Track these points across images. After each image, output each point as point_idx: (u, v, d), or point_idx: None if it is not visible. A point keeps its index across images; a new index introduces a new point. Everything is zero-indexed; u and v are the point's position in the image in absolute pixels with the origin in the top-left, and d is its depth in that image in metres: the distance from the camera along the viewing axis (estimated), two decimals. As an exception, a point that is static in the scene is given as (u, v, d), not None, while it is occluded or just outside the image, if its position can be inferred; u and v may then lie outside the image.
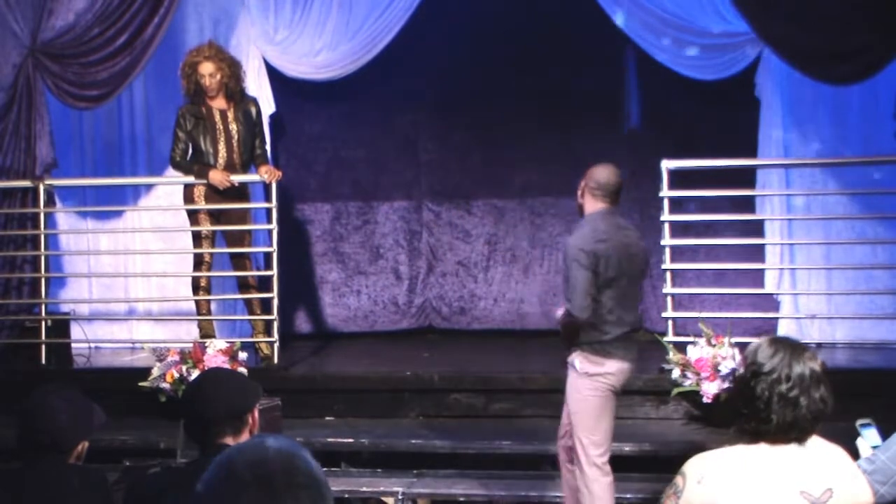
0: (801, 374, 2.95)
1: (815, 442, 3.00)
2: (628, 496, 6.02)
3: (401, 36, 8.38)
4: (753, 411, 2.95)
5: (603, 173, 5.43)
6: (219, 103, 7.62)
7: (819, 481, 2.90)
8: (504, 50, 8.73)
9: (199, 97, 7.58)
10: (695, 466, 2.99)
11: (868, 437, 3.81)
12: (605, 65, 8.56)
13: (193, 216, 7.68)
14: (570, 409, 5.45)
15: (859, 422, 3.84)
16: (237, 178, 7.56)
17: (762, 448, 2.97)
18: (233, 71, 7.63)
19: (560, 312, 5.47)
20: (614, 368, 5.36)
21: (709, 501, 2.91)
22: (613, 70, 8.55)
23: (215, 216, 7.65)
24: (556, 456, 5.73)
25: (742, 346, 6.63)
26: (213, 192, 7.54)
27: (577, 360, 5.36)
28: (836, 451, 3.03)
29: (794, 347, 3.03)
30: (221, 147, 7.58)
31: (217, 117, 7.59)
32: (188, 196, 7.66)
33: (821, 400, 2.95)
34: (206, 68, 7.52)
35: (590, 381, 5.36)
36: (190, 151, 7.62)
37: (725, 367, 6.50)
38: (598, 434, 5.38)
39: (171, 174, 8.01)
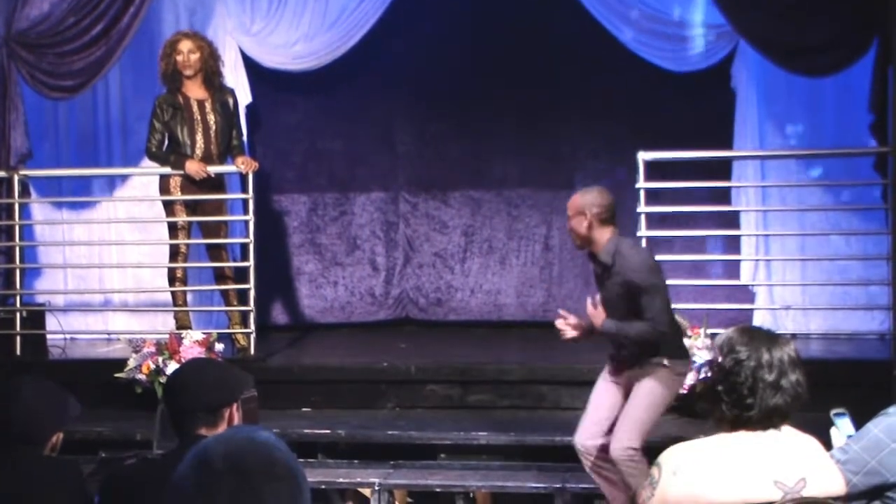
0: (781, 359, 3.00)
1: (789, 432, 3.03)
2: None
3: (377, 27, 8.38)
4: (736, 399, 2.98)
5: (601, 196, 5.36)
6: (196, 93, 7.60)
7: (793, 471, 2.93)
8: (481, 42, 8.73)
9: (175, 82, 7.55)
10: (670, 457, 3.02)
11: (842, 427, 3.83)
12: (582, 57, 8.57)
13: (169, 207, 7.66)
14: (641, 402, 5.30)
15: (833, 411, 3.86)
16: (214, 170, 7.54)
17: (737, 438, 3.00)
18: (211, 52, 7.64)
19: (606, 326, 5.34)
20: (688, 367, 5.57)
21: (684, 492, 2.93)
22: (591, 61, 8.56)
23: (191, 207, 7.63)
24: (580, 454, 5.54)
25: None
26: (190, 183, 7.51)
27: (667, 360, 5.32)
28: (810, 442, 3.06)
29: (768, 334, 3.08)
30: (199, 138, 7.56)
31: (195, 108, 7.57)
32: (164, 187, 7.64)
33: (798, 384, 3.00)
34: (186, 45, 7.54)
35: (677, 381, 5.44)
36: (166, 142, 7.60)
37: (701, 358, 6.53)
38: (650, 428, 5.38)
39: (147, 164, 7.98)
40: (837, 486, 2.99)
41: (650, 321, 5.27)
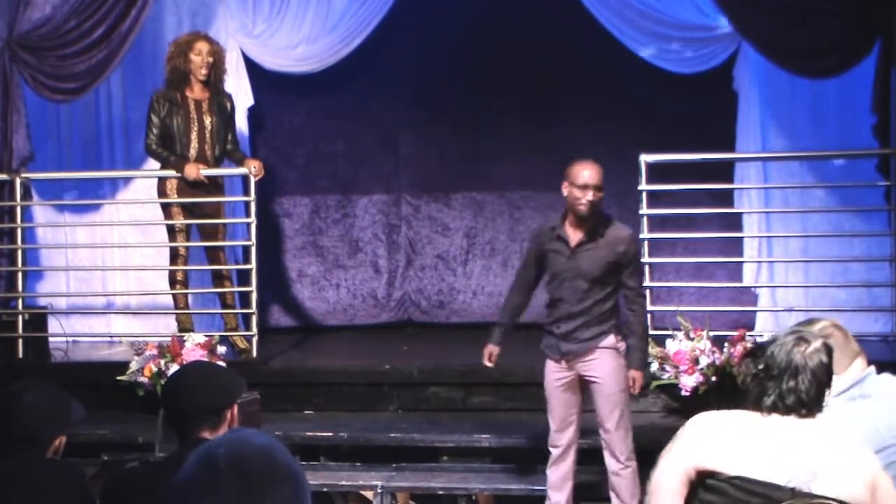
0: (790, 360, 3.07)
1: (823, 425, 3.07)
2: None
3: (380, 29, 8.38)
4: (757, 381, 3.10)
5: None
6: (195, 93, 7.60)
7: (808, 461, 2.97)
8: (483, 43, 8.73)
9: (180, 83, 7.54)
10: (698, 420, 3.14)
11: None
12: (584, 59, 8.57)
13: (166, 209, 7.65)
14: (612, 390, 5.52)
15: None
16: (214, 173, 7.54)
17: (764, 417, 3.06)
18: (223, 58, 7.68)
19: (639, 366, 5.63)
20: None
21: (700, 453, 3.03)
22: (593, 63, 8.56)
23: (189, 209, 7.62)
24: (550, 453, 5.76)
25: (720, 340, 6.70)
26: (186, 185, 7.51)
27: (615, 341, 5.56)
28: (843, 444, 3.07)
29: (801, 336, 3.14)
30: (194, 136, 7.55)
31: (192, 106, 7.57)
32: (161, 189, 7.63)
33: (797, 389, 3.02)
34: (204, 46, 7.55)
35: (624, 358, 5.60)
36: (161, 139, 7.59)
37: (704, 361, 6.53)
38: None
39: (148, 166, 7.98)
40: (850, 493, 2.97)
41: (636, 292, 5.58)
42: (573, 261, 5.53)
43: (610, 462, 5.57)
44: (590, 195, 5.47)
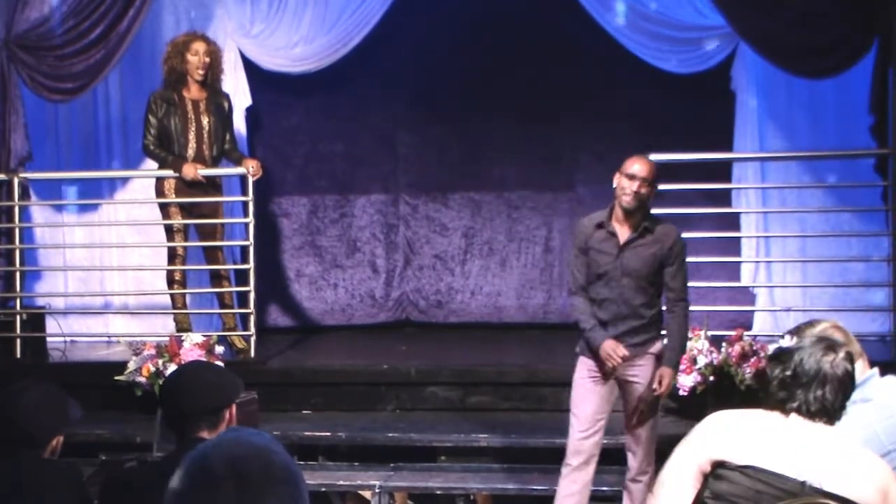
0: (819, 370, 3.09)
1: (837, 432, 3.09)
2: (604, 489, 6.04)
3: (378, 29, 8.38)
4: (777, 386, 3.12)
5: None
6: (193, 93, 7.59)
7: (820, 460, 3.00)
8: (482, 43, 8.73)
9: (177, 83, 7.53)
10: (715, 415, 3.18)
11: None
12: (582, 59, 8.57)
13: (164, 209, 7.65)
14: (644, 396, 5.36)
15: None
16: (212, 173, 7.53)
17: (786, 419, 3.09)
18: (220, 58, 7.67)
19: (672, 365, 5.43)
20: None
21: (714, 445, 3.08)
22: (591, 63, 8.56)
23: (187, 209, 7.62)
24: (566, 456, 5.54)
25: (718, 339, 6.70)
26: (184, 185, 7.50)
27: (658, 343, 5.42)
28: (858, 448, 3.10)
29: (829, 343, 3.16)
30: (192, 137, 7.55)
31: (189, 106, 7.56)
32: (159, 189, 7.63)
33: (823, 398, 3.08)
34: (201, 46, 7.53)
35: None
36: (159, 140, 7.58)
37: (702, 360, 6.53)
38: None
39: (146, 166, 7.97)
40: (861, 495, 2.98)
41: (677, 295, 5.41)
42: (620, 258, 5.35)
43: (630, 465, 5.45)
44: (635, 186, 5.31)
